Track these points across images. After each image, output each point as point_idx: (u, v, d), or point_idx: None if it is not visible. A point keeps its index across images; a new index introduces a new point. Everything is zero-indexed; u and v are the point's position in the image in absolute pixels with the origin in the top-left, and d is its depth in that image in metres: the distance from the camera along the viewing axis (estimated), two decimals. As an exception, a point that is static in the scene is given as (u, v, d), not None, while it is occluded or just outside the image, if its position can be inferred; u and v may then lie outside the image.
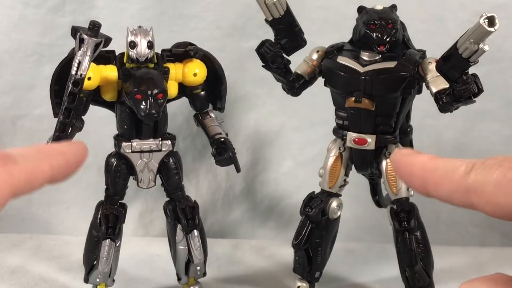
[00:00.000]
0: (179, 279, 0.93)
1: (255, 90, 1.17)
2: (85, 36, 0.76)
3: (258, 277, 1.02)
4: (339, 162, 0.89)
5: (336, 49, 0.86)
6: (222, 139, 0.88)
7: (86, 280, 0.88)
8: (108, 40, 0.79)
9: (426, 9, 1.13)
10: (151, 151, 0.86)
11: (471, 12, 1.09)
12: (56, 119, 0.79)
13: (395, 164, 0.34)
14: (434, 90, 0.79)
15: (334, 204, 0.89)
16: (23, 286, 0.97)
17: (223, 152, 0.87)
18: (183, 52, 0.87)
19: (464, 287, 0.30)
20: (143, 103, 0.79)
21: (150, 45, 0.83)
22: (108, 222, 0.85)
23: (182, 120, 1.16)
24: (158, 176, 0.88)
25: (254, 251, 1.13)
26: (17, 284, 0.97)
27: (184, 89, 0.89)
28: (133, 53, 0.82)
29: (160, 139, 0.86)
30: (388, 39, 0.81)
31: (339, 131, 0.87)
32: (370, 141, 0.85)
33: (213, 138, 0.89)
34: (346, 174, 0.90)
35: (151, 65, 0.84)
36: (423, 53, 0.84)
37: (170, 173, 0.88)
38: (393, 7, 0.85)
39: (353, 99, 0.82)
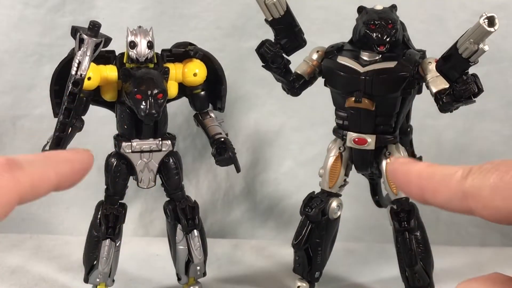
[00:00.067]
0: (179, 279, 0.93)
1: (255, 90, 1.17)
2: (85, 36, 0.76)
3: (258, 277, 1.02)
4: (339, 162, 0.89)
5: (336, 49, 0.86)
6: (222, 139, 0.88)
7: (86, 280, 0.88)
8: (108, 40, 0.79)
9: (426, 9, 1.12)
10: (151, 151, 0.86)
11: (471, 12, 1.09)
12: (56, 119, 0.79)
13: (393, 173, 0.34)
14: (434, 90, 0.79)
15: (334, 204, 0.89)
16: (23, 286, 0.97)
17: (223, 152, 0.87)
18: (183, 52, 0.87)
19: (462, 286, 0.30)
20: (143, 103, 0.79)
21: (150, 45, 0.83)
22: (108, 222, 0.85)
23: (182, 120, 1.15)
24: (158, 176, 0.88)
25: (254, 251, 1.13)
26: (17, 284, 0.97)
27: (184, 89, 0.89)
28: (133, 53, 0.82)
29: (160, 139, 0.86)
30: (388, 39, 0.81)
31: (339, 131, 0.87)
32: (370, 141, 0.84)
33: (213, 138, 0.89)
34: (346, 174, 0.90)
35: (151, 65, 0.84)
36: (423, 53, 0.84)
37: (170, 173, 0.88)
38: (393, 7, 0.85)
39: (353, 99, 0.82)
